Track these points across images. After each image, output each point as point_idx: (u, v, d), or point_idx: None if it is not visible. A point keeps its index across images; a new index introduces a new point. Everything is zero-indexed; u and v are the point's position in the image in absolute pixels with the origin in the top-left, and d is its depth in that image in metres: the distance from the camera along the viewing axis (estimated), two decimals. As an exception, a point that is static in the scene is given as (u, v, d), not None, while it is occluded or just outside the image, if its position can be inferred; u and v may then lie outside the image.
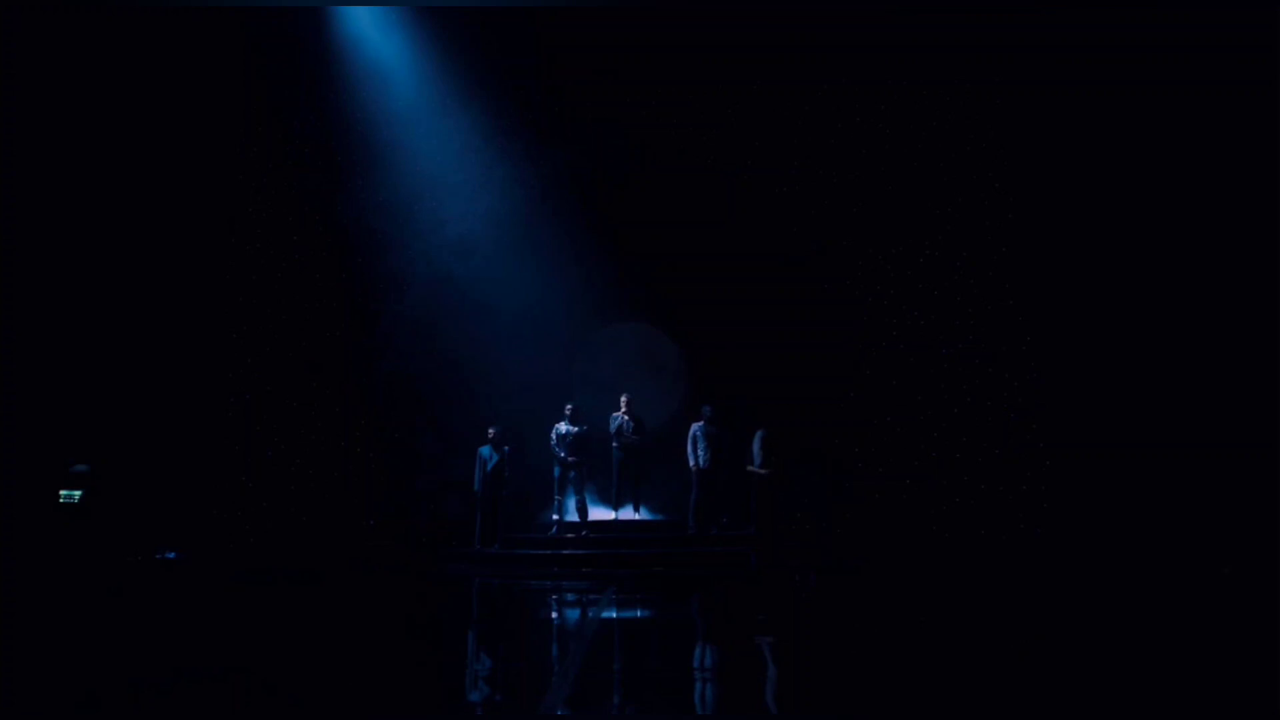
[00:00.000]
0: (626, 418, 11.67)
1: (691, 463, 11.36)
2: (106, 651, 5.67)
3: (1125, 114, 11.61)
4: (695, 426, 11.49)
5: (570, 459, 11.53)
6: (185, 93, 12.64)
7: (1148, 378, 11.13)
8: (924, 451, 11.85)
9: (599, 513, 11.84)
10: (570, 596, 8.92)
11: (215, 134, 12.81)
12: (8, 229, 11.49)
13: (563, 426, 11.61)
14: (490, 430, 11.60)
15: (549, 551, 11.28)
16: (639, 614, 7.86)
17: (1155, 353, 11.19)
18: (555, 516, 11.65)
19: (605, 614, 7.39)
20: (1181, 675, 4.77)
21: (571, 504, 11.62)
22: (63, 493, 11.07)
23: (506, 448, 11.57)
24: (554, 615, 7.97)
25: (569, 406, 11.66)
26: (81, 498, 11.06)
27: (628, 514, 11.78)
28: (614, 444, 11.68)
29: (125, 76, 12.37)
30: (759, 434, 11.13)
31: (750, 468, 11.07)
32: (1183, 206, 11.31)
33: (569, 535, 11.51)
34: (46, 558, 10.55)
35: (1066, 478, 11.28)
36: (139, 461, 11.79)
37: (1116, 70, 11.48)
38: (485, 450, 11.53)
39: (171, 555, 11.38)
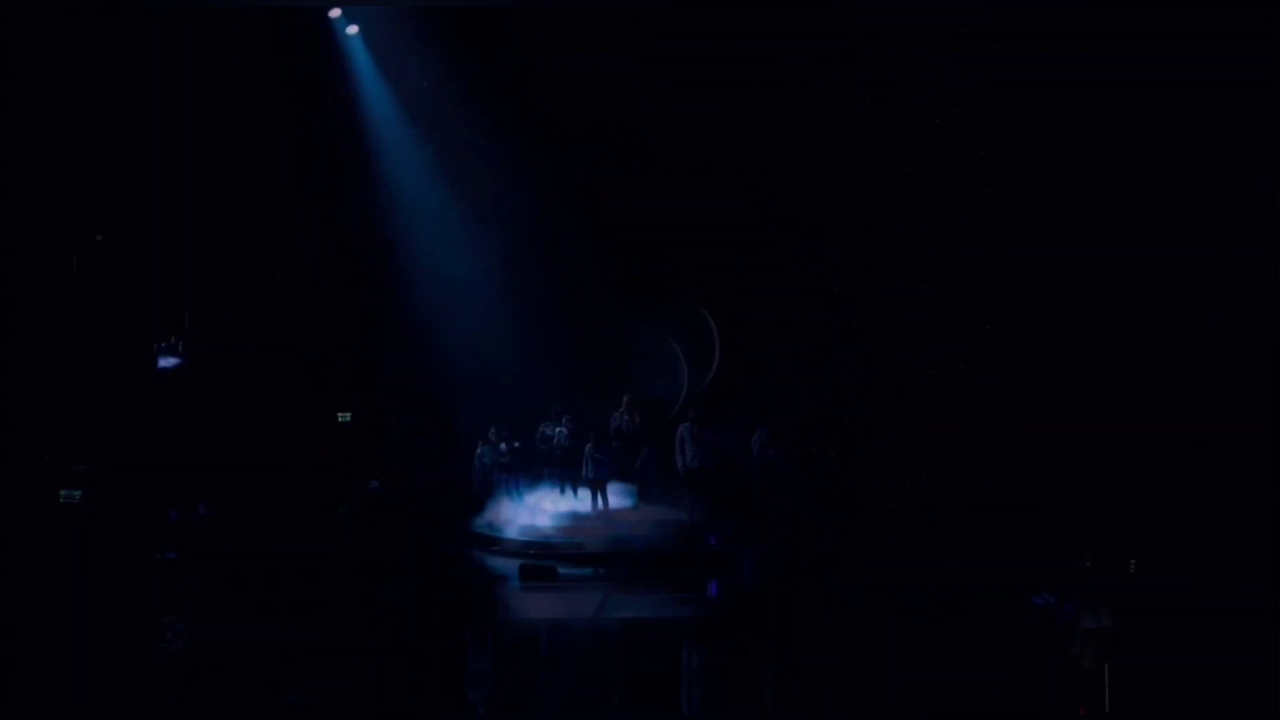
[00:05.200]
0: (626, 418, 11.67)
1: (680, 463, 11.37)
2: (107, 651, 5.68)
3: (1127, 115, 11.59)
4: (682, 428, 11.50)
5: (564, 460, 11.55)
6: (185, 93, 12.64)
7: (1149, 377, 11.12)
8: (924, 451, 11.83)
9: (596, 512, 11.83)
10: (568, 597, 8.93)
11: (215, 134, 12.81)
12: (8, 229, 11.50)
13: (557, 428, 11.61)
14: (491, 430, 11.62)
15: (548, 552, 11.27)
16: (637, 614, 7.86)
17: (1157, 352, 11.18)
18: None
19: (603, 614, 7.39)
20: (1182, 674, 4.77)
21: (569, 504, 11.63)
22: (63, 493, 11.08)
23: (504, 447, 11.59)
24: (552, 615, 7.99)
25: (557, 407, 11.68)
26: (81, 498, 11.06)
27: (626, 514, 11.76)
28: (614, 444, 11.67)
29: (122, 78, 12.35)
30: (759, 434, 11.15)
31: (750, 456, 11.11)
32: (1184, 207, 11.29)
33: (566, 535, 11.50)
34: (46, 558, 10.55)
35: (1067, 477, 11.26)
36: (140, 461, 11.79)
37: (1117, 71, 11.47)
38: (485, 450, 11.54)
39: (171, 555, 11.37)
